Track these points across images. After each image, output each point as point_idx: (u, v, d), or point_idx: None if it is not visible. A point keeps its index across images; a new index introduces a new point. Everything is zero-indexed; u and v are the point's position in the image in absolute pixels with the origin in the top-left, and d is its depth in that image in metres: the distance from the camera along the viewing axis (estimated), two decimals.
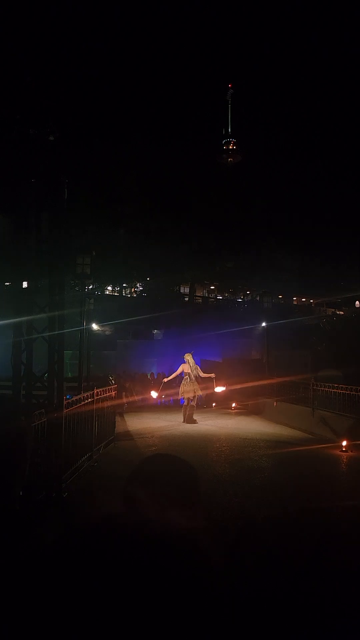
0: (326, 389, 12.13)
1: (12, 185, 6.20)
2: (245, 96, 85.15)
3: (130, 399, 17.89)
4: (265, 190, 48.10)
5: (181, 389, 13.81)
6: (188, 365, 13.75)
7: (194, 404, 13.68)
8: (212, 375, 14.15)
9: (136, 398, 18.19)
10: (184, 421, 13.32)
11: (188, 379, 13.66)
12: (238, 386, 16.39)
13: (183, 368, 13.82)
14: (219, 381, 14.46)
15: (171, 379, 14.42)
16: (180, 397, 14.15)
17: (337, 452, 9.47)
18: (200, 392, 14.09)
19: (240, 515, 5.44)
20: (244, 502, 6.15)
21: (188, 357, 13.87)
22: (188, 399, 13.62)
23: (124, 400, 17.01)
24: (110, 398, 10.00)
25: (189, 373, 13.72)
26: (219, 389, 14.64)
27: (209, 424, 13.23)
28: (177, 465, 7.53)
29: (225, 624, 2.47)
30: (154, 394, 14.90)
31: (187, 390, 13.63)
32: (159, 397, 15.17)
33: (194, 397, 13.66)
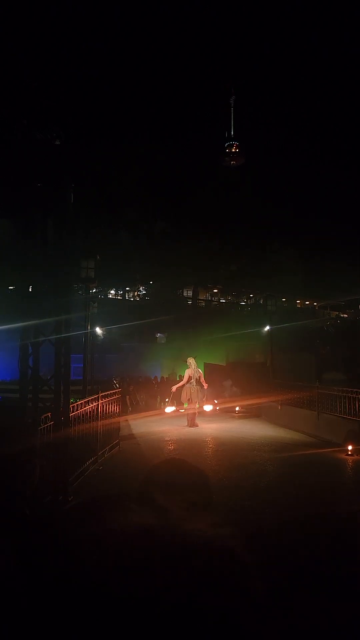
0: (331, 392, 12.10)
1: (18, 190, 6.22)
2: (248, 98, 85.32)
3: (135, 402, 17.89)
4: (269, 193, 48.10)
5: (185, 393, 13.77)
6: (191, 369, 13.74)
7: (197, 408, 13.62)
8: (206, 386, 13.86)
9: (140, 401, 18.20)
10: (187, 425, 13.29)
11: (194, 382, 13.62)
12: (242, 389, 16.38)
13: (188, 373, 13.76)
14: (209, 398, 14.22)
15: (179, 387, 14.15)
16: (184, 401, 14.08)
17: (343, 455, 9.43)
18: (204, 397, 13.99)
19: (255, 521, 5.42)
20: (253, 506, 6.13)
21: (191, 360, 13.83)
22: (191, 402, 13.57)
23: (128, 403, 17.01)
24: (115, 402, 9.99)
25: (192, 377, 13.68)
26: (207, 408, 14.24)
27: (213, 428, 13.20)
28: (184, 469, 7.49)
29: None
30: (169, 410, 14.48)
31: (191, 394, 13.60)
32: (177, 410, 14.34)
33: (199, 401, 13.61)
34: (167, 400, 14.57)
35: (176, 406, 14.25)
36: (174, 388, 14.33)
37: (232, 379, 17.90)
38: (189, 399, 13.66)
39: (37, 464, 1.31)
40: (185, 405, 13.84)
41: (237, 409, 16.44)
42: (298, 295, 50.44)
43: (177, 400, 14.31)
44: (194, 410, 13.46)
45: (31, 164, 6.08)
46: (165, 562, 0.81)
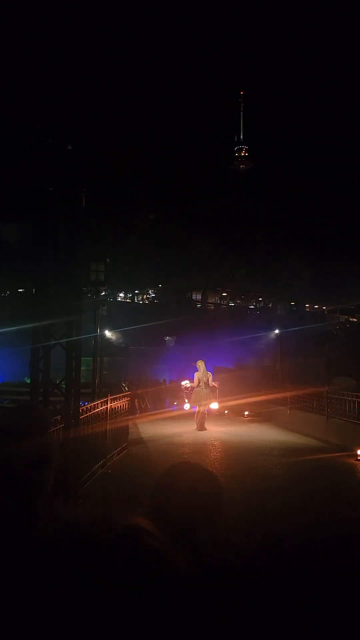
0: (340, 397, 12.03)
1: (31, 194, 6.28)
2: (258, 103, 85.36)
3: (143, 405, 17.91)
4: (278, 197, 48.06)
5: (194, 396, 13.83)
6: (200, 372, 13.80)
7: (206, 411, 13.64)
8: (216, 384, 14.14)
9: (149, 404, 18.22)
10: (196, 429, 13.29)
11: (203, 386, 13.68)
12: (250, 394, 16.33)
13: (197, 376, 13.86)
14: (217, 396, 14.41)
15: (190, 387, 14.44)
16: (193, 404, 14.13)
17: (352, 461, 9.38)
18: (213, 400, 14.08)
19: (266, 528, 5.39)
20: (264, 511, 6.11)
21: (200, 363, 13.92)
22: (200, 405, 13.59)
23: (137, 406, 17.03)
24: (123, 405, 10.01)
25: (200, 380, 13.75)
26: (214, 406, 14.46)
27: (222, 432, 13.17)
28: (194, 474, 7.48)
29: None
30: (187, 406, 14.78)
31: (200, 398, 13.62)
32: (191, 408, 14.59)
33: (207, 404, 13.65)
34: (185, 400, 14.76)
35: (191, 404, 14.40)
36: (186, 385, 14.60)
37: (240, 383, 17.83)
38: (198, 402, 13.68)
39: (53, 467, 1.32)
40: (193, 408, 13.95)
41: (245, 413, 16.40)
42: (307, 299, 50.26)
43: (189, 398, 14.55)
44: (203, 414, 13.47)
45: (43, 169, 6.14)
46: (169, 565, 0.82)
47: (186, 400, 14.90)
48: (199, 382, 13.74)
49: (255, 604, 1.20)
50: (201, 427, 13.20)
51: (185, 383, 14.82)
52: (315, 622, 3.00)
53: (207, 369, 14.22)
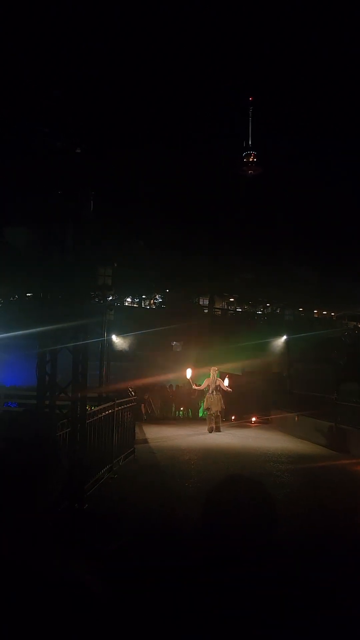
0: (349, 404, 11.92)
1: (39, 197, 6.28)
2: (267, 108, 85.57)
3: (150, 410, 17.83)
4: (286, 202, 48.04)
5: (206, 401, 14.31)
6: (210, 378, 14.19)
7: (219, 415, 14.05)
8: (229, 390, 14.37)
9: (155, 409, 18.14)
10: (212, 430, 13.69)
11: (214, 392, 14.03)
12: (258, 400, 16.25)
13: (207, 382, 14.26)
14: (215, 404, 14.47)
15: (200, 388, 14.75)
16: (205, 409, 14.62)
17: None
18: (223, 406, 14.33)
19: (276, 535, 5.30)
20: (276, 520, 6.01)
21: (212, 370, 14.29)
22: (210, 410, 14.01)
23: (143, 411, 16.96)
24: (130, 410, 9.96)
25: (210, 386, 14.12)
26: (225, 382, 14.57)
27: (228, 438, 13.11)
28: (202, 480, 7.45)
29: None
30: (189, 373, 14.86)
31: (211, 403, 14.02)
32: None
33: (219, 409, 14.04)
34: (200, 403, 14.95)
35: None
36: (195, 387, 14.81)
37: (248, 389, 17.71)
38: (208, 407, 14.19)
39: (59, 472, 1.28)
40: (206, 414, 14.60)
41: (253, 419, 16.32)
42: (315, 305, 50.02)
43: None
44: (217, 417, 13.93)
45: (52, 172, 6.14)
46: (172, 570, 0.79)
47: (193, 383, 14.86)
48: (209, 388, 14.07)
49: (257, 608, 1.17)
50: (217, 429, 13.73)
51: (191, 378, 14.92)
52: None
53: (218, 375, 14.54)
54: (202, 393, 14.84)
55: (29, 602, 1.00)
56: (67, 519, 5.46)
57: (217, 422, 13.96)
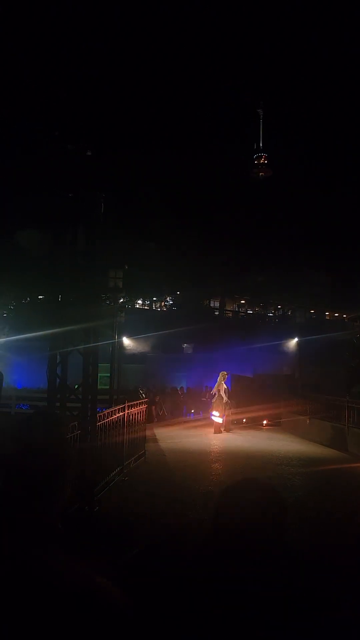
0: None
1: (50, 200, 6.30)
2: (278, 110, 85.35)
3: (160, 412, 17.83)
4: (297, 204, 47.83)
5: (213, 404, 14.69)
6: (217, 382, 14.83)
7: (225, 417, 14.38)
8: (225, 398, 14.60)
9: (166, 412, 18.14)
10: (219, 432, 13.96)
11: (221, 395, 14.55)
12: (269, 402, 16.16)
13: (216, 386, 14.89)
14: (220, 407, 14.52)
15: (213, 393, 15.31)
16: (211, 411, 14.78)
17: None
18: (229, 408, 14.74)
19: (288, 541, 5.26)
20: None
21: (221, 375, 14.79)
22: (219, 412, 14.34)
23: (154, 413, 16.96)
24: (141, 412, 9.96)
25: (219, 390, 14.66)
26: (216, 414, 14.41)
27: (240, 440, 13.05)
28: (213, 484, 7.41)
29: None
30: (216, 415, 14.74)
31: (218, 405, 14.43)
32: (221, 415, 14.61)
33: (225, 411, 14.43)
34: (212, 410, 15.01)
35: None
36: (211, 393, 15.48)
37: (259, 391, 17.64)
38: (215, 410, 14.56)
39: (71, 477, 1.28)
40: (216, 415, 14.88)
41: (264, 422, 16.23)
42: (327, 307, 49.67)
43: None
44: (218, 421, 14.30)
45: (63, 175, 6.16)
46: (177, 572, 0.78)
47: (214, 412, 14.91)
48: (218, 392, 14.63)
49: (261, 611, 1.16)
50: (226, 429, 14.19)
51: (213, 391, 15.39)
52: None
53: (227, 378, 15.19)
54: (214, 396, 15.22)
55: (40, 608, 0.99)
56: (78, 521, 5.46)
57: (226, 424, 14.34)
